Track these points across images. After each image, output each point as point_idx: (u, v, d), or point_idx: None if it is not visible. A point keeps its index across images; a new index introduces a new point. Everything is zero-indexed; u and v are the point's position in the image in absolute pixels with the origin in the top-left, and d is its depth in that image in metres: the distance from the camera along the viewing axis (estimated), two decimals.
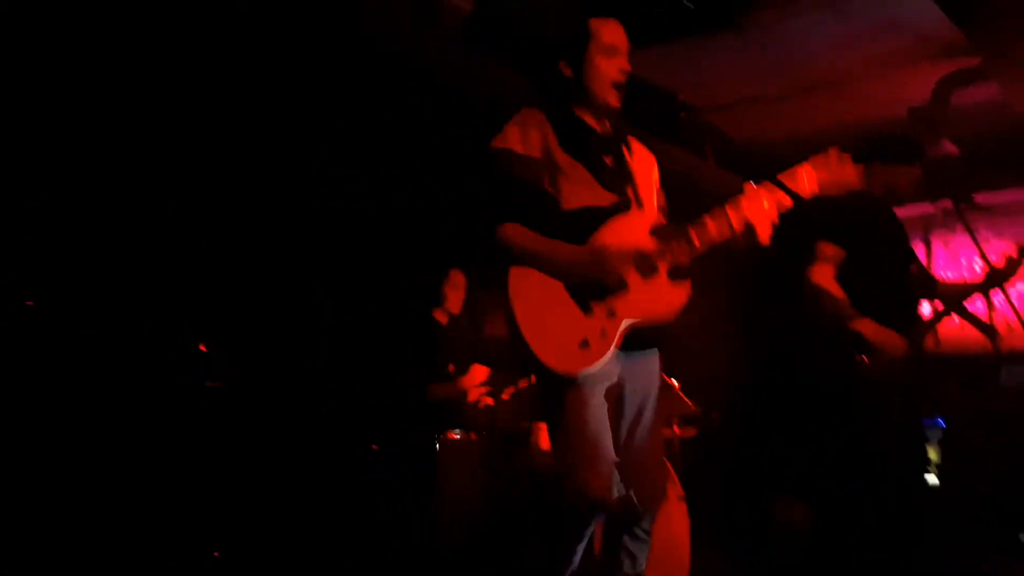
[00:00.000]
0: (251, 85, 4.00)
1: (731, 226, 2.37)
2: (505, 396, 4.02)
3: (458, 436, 4.06)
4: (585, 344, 2.33)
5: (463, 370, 4.29)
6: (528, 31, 3.96)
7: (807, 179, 2.41)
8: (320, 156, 4.32)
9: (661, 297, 2.40)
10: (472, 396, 4.26)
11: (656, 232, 2.45)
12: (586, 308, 2.36)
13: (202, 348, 3.32)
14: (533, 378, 3.17)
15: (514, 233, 2.40)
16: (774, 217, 2.38)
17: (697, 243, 2.39)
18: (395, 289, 4.62)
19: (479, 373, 4.27)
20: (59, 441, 3.14)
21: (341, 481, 3.91)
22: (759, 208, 2.36)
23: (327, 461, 3.95)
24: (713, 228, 2.38)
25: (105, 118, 3.62)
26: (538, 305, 2.36)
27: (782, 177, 2.42)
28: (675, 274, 2.42)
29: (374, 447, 3.93)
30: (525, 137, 2.45)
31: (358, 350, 4.41)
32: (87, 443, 3.14)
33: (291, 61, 3.98)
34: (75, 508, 3.14)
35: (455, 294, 4.40)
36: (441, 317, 4.42)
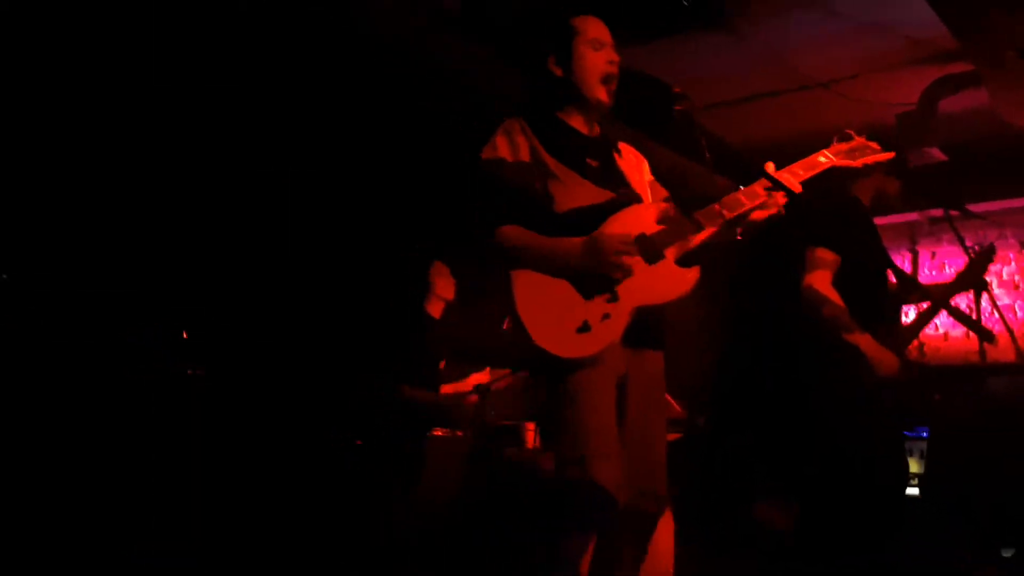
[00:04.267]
0: (236, 71, 3.95)
1: (740, 205, 2.37)
2: (497, 387, 3.97)
3: (444, 433, 4.01)
4: (585, 327, 2.28)
5: (455, 366, 4.23)
6: (513, 20, 3.95)
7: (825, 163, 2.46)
8: (302, 146, 4.26)
9: (667, 281, 2.36)
10: (457, 394, 4.21)
11: (663, 219, 2.43)
12: (587, 292, 2.32)
13: (184, 335, 3.26)
14: (526, 373, 3.12)
15: (513, 234, 2.38)
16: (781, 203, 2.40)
17: (705, 226, 2.38)
18: (386, 281, 4.55)
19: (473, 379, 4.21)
20: (29, 434, 3.06)
21: (324, 476, 3.84)
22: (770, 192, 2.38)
23: (310, 455, 3.88)
24: (725, 211, 2.38)
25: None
26: (539, 295, 2.33)
27: (798, 165, 2.45)
28: (684, 260, 2.40)
29: (358, 442, 3.87)
30: (513, 144, 2.44)
31: (345, 343, 4.34)
32: (58, 432, 3.06)
33: (273, 43, 3.93)
34: (49, 502, 3.06)
35: (443, 282, 4.33)
36: (434, 310, 4.35)
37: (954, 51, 4.40)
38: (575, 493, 2.23)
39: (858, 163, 2.52)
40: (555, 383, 2.33)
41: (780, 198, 2.39)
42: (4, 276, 2.94)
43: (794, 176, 2.42)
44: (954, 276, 4.52)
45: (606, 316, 2.30)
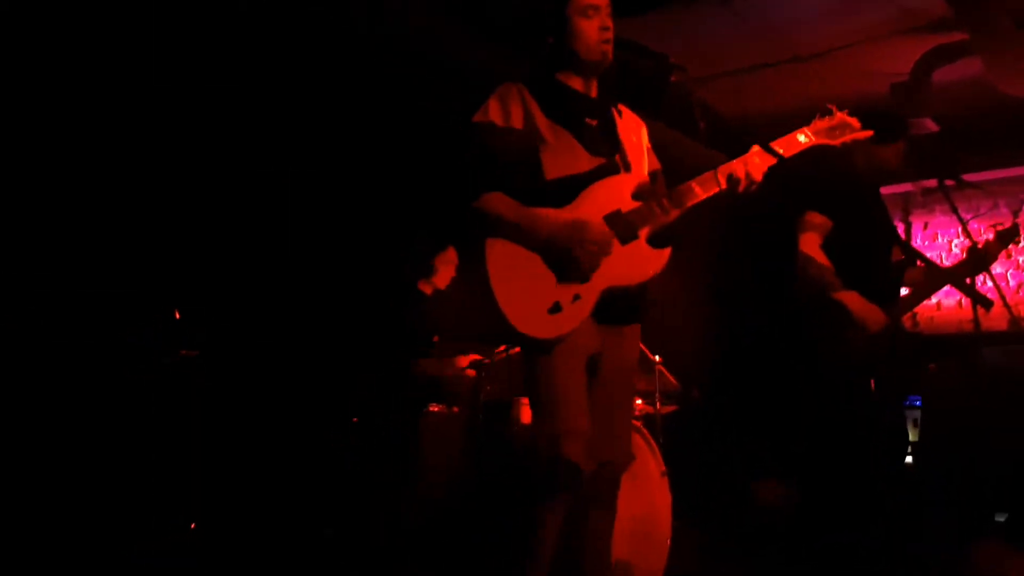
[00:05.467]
0: (226, 56, 3.91)
1: (717, 183, 2.42)
2: (487, 362, 3.97)
3: (440, 409, 4.01)
4: (556, 308, 2.33)
5: (449, 343, 4.24)
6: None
7: (806, 141, 2.53)
8: (302, 120, 4.23)
9: (638, 262, 2.41)
10: (453, 369, 4.21)
11: (638, 193, 2.44)
12: (560, 272, 2.35)
13: (176, 315, 3.24)
14: (517, 348, 3.17)
15: (496, 201, 2.39)
16: (760, 174, 2.44)
17: (683, 202, 2.42)
18: (380, 259, 4.54)
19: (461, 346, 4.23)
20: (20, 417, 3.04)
21: (320, 453, 3.84)
22: (747, 167, 2.43)
23: (306, 434, 3.88)
24: (699, 189, 2.43)
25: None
26: (512, 269, 2.36)
27: (778, 143, 2.50)
28: (655, 240, 2.43)
29: (354, 419, 3.87)
30: (506, 110, 2.44)
31: (340, 319, 4.34)
32: (52, 416, 3.05)
33: (265, 27, 3.88)
34: (41, 485, 3.05)
35: (446, 269, 4.35)
36: (425, 288, 4.36)
37: (948, 20, 4.37)
38: (546, 467, 2.32)
39: (837, 142, 2.56)
40: (532, 359, 2.40)
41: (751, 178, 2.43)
42: None
43: (773, 153, 2.47)
44: (948, 247, 4.48)
45: (577, 297, 2.35)
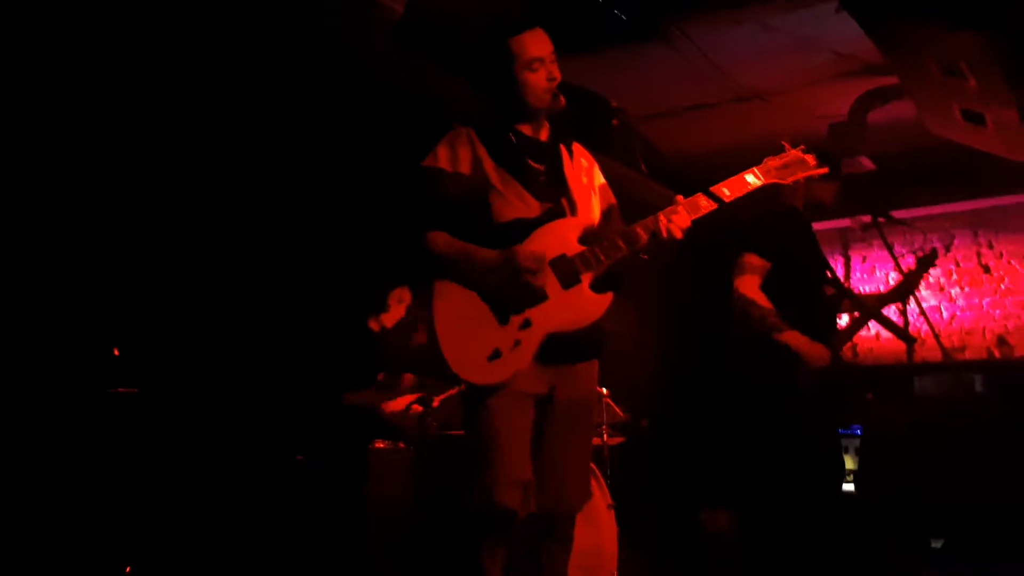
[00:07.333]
0: (179, 82, 3.87)
1: (657, 231, 2.38)
2: (435, 403, 3.96)
3: (386, 445, 3.99)
4: (496, 355, 2.33)
5: (393, 379, 4.22)
6: (459, 34, 3.95)
7: (753, 182, 2.48)
8: (252, 154, 4.19)
9: (579, 307, 2.40)
10: (399, 405, 4.19)
11: (584, 237, 2.46)
12: (502, 318, 2.36)
13: (115, 352, 3.18)
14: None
15: (437, 239, 2.42)
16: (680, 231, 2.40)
17: (623, 247, 2.40)
18: (327, 294, 4.51)
19: (406, 382, 4.22)
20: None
21: (264, 493, 3.78)
22: (687, 217, 2.40)
23: (249, 472, 3.81)
24: (642, 234, 2.40)
25: None
26: (457, 314, 2.38)
27: (725, 185, 2.47)
28: (597, 285, 2.43)
29: (299, 458, 3.81)
30: (454, 155, 2.46)
31: (285, 355, 4.29)
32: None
33: (220, 59, 3.86)
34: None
35: (396, 309, 4.36)
36: (373, 325, 4.36)
37: (881, 65, 4.53)
38: (479, 513, 2.33)
39: (788, 180, 2.51)
40: (472, 402, 2.40)
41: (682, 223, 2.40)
42: None
43: (722, 196, 2.44)
44: (885, 280, 4.60)
45: (517, 343, 2.35)
